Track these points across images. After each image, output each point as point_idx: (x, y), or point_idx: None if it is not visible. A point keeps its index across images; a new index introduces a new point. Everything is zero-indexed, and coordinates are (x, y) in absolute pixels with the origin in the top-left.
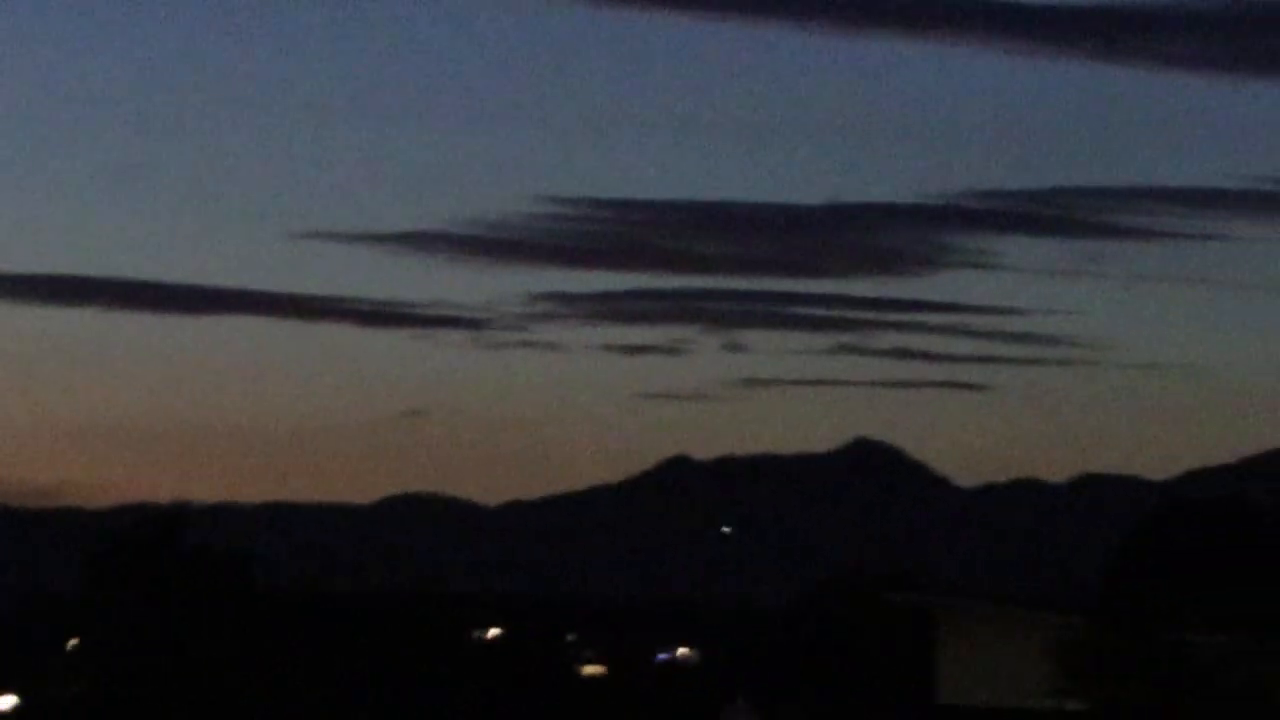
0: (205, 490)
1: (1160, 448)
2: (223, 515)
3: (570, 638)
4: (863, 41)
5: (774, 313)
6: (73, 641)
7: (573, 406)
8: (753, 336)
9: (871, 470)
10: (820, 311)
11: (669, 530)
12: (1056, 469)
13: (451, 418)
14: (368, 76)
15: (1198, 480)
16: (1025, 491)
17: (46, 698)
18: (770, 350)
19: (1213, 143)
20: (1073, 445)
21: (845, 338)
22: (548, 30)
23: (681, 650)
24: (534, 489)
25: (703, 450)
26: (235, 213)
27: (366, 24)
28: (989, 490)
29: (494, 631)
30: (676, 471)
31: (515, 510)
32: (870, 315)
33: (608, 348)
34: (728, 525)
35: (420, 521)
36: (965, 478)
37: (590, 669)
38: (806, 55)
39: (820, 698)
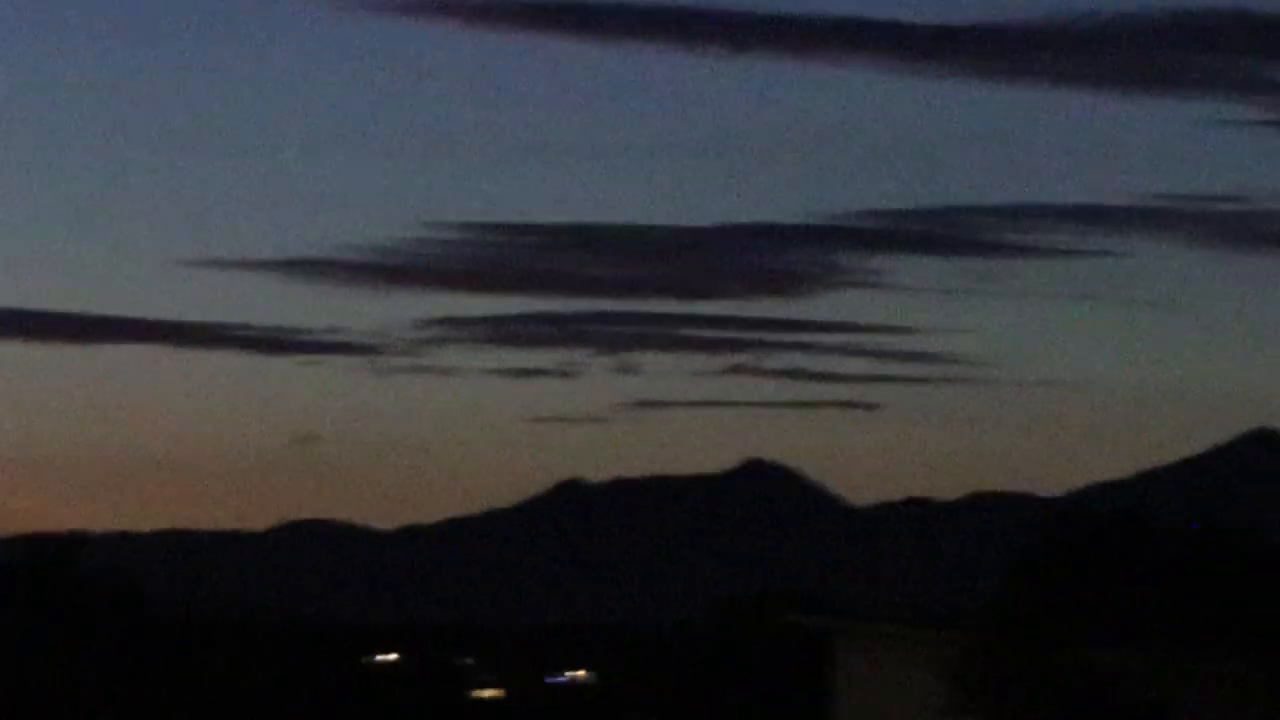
0: (100, 519)
1: (1053, 465)
2: (118, 544)
3: (466, 661)
4: (753, 62)
5: (665, 334)
6: None
7: (466, 431)
8: (645, 359)
9: (765, 490)
10: (712, 333)
11: (563, 553)
12: (949, 487)
13: (345, 443)
14: (256, 104)
15: (1091, 496)
16: (918, 510)
17: None
18: (662, 372)
19: (1102, 160)
20: (965, 463)
21: (737, 358)
22: (437, 57)
23: (577, 672)
24: (428, 514)
25: (596, 473)
26: (125, 241)
27: (253, 53)
28: (882, 509)
29: (389, 656)
30: (570, 494)
31: (409, 535)
32: (762, 336)
33: (499, 372)
34: (622, 548)
35: (315, 547)
36: (859, 497)
37: (486, 692)
38: (698, 77)
39: (717, 718)
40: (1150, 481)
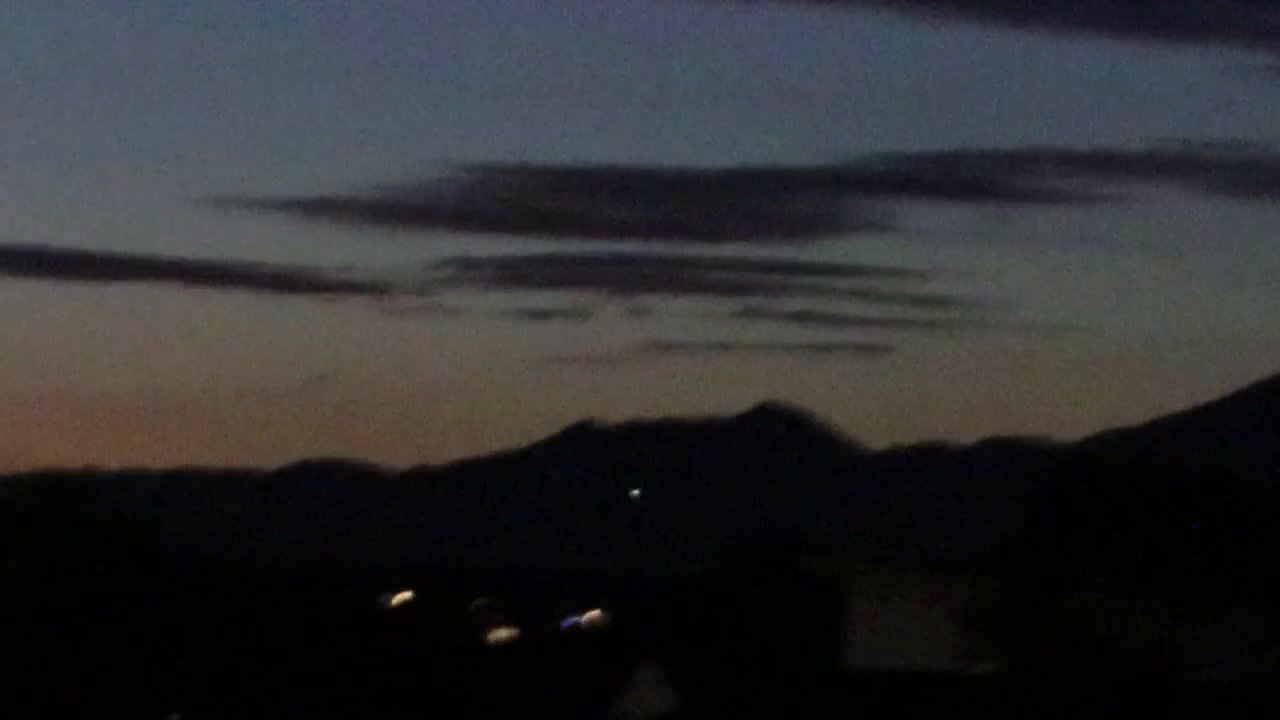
0: (111, 457)
1: (1065, 410)
2: (130, 482)
3: (479, 602)
4: (767, 7)
5: (678, 277)
6: None
7: (478, 372)
8: (657, 301)
9: (778, 434)
10: (725, 275)
11: (576, 494)
12: (962, 431)
13: (357, 384)
14: (271, 43)
15: (1103, 442)
16: (931, 454)
17: None
18: (675, 314)
19: (1115, 106)
20: (978, 408)
21: (750, 302)
22: None
23: (590, 614)
24: (441, 455)
25: (609, 415)
26: (138, 180)
27: None
28: (895, 453)
29: (402, 597)
30: (583, 436)
31: (422, 476)
32: (774, 279)
33: (513, 313)
34: (636, 489)
35: (327, 487)
36: (872, 441)
37: (499, 633)
38: (711, 21)
39: (729, 661)
40: (1164, 427)
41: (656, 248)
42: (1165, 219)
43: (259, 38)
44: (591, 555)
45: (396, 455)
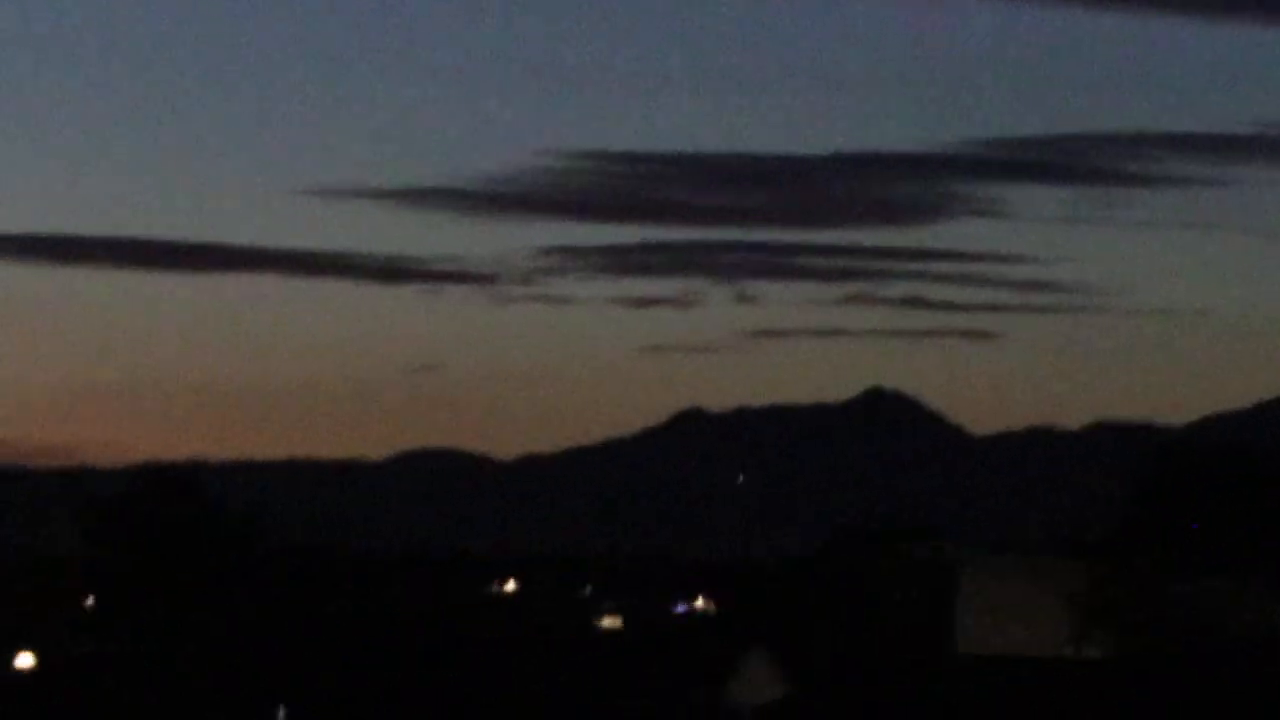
0: (219, 448)
1: (1173, 394)
2: (238, 473)
3: (587, 590)
4: None
5: (783, 263)
6: (89, 600)
7: (584, 360)
8: (763, 288)
9: (886, 419)
10: (829, 261)
11: (684, 482)
12: (1070, 416)
13: (463, 373)
14: (373, 33)
15: (1212, 426)
16: (1039, 438)
17: (62, 656)
18: (781, 301)
19: (1221, 88)
20: (1085, 392)
21: (855, 287)
22: None
23: (698, 602)
24: (548, 443)
25: (716, 402)
26: (242, 170)
27: None
28: (1003, 438)
29: (510, 585)
30: (690, 423)
31: (530, 464)
32: (880, 265)
33: (618, 301)
34: (742, 476)
35: (435, 476)
36: (979, 426)
37: (608, 621)
38: (811, 7)
39: (840, 647)
40: (1271, 411)
41: (761, 234)
42: (1271, 201)
43: (366, 29)
44: (700, 542)
45: (505, 444)
